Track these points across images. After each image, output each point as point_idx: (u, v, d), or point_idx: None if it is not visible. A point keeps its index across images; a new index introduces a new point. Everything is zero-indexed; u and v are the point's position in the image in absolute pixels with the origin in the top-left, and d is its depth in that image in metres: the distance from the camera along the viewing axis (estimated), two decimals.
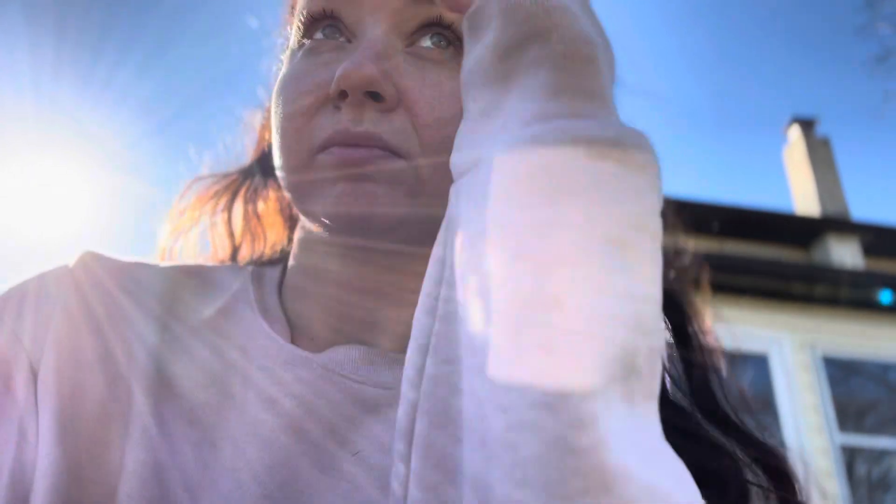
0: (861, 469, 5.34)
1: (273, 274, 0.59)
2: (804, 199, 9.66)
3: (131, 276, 0.54)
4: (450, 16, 0.48)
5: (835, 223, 8.27)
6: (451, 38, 0.48)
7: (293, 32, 0.53)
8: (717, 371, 0.55)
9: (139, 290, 0.53)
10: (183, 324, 0.52)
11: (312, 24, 0.51)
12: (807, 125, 10.02)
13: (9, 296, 0.51)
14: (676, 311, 0.56)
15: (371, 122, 0.46)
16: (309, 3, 0.51)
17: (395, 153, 0.46)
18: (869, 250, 7.96)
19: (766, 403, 5.16)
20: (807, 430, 5.07)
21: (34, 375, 0.47)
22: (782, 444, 0.61)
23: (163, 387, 0.48)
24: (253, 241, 0.67)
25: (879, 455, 5.42)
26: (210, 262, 0.64)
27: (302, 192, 0.48)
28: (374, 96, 0.45)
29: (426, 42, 0.49)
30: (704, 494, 0.29)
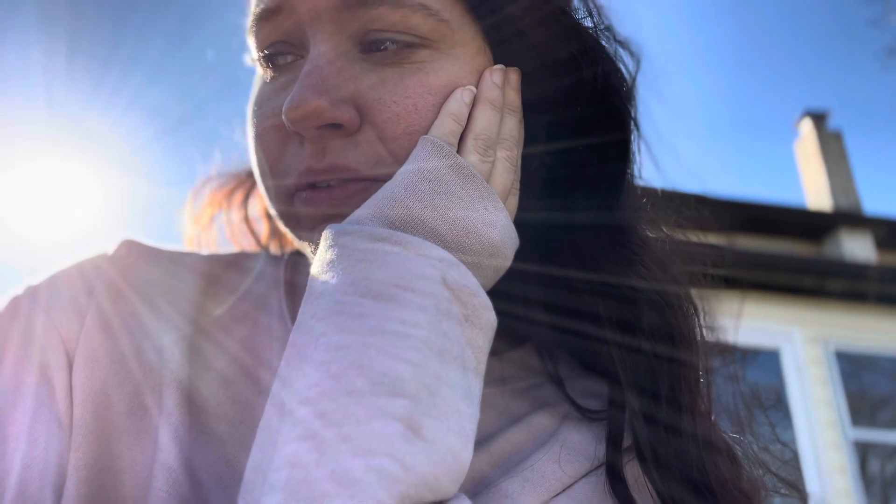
0: (874, 465, 5.30)
1: (307, 261, 0.59)
2: (816, 193, 9.58)
3: (168, 267, 0.54)
4: (391, 16, 0.44)
5: (847, 217, 8.20)
6: (402, 38, 0.45)
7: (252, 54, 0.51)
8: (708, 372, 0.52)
9: (174, 282, 0.53)
10: (214, 317, 0.52)
11: (266, 53, 0.49)
12: (818, 118, 9.93)
13: (47, 284, 0.51)
14: (681, 314, 0.52)
15: (334, 153, 0.44)
16: (256, 30, 0.49)
17: (366, 178, 0.44)
18: (881, 244, 7.90)
19: (778, 398, 5.13)
20: (819, 425, 5.04)
21: (70, 365, 0.46)
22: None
23: (192, 382, 0.48)
24: (281, 235, 0.67)
25: (893, 450, 5.38)
26: (250, 251, 0.64)
27: (291, 231, 0.50)
28: (331, 125, 0.44)
29: (380, 45, 0.45)
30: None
